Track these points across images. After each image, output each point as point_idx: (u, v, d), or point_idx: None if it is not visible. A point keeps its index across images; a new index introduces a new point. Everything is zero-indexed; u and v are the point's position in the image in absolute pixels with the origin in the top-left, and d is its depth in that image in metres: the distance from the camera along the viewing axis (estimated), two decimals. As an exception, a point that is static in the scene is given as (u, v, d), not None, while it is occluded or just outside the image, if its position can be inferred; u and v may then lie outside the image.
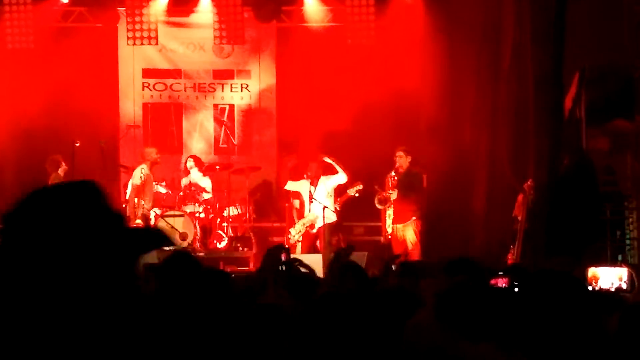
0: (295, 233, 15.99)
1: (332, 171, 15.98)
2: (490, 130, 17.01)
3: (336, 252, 12.48)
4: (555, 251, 12.63)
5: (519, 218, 14.65)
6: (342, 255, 11.52)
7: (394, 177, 15.58)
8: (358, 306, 3.52)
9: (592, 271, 4.86)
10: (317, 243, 15.93)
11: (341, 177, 15.94)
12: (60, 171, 16.30)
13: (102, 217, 2.32)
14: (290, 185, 16.43)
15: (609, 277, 4.84)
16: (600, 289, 4.82)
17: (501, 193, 16.34)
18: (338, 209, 16.00)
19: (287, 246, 12.56)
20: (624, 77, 14.53)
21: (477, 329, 3.87)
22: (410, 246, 15.53)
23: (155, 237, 2.40)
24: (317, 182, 15.95)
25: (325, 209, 15.70)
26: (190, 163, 17.04)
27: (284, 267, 4.85)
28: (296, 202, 16.54)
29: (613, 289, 4.82)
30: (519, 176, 15.15)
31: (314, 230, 15.93)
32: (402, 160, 15.62)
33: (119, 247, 2.26)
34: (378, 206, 15.67)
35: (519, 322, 3.50)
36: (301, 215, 16.26)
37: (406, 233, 15.57)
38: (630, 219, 16.19)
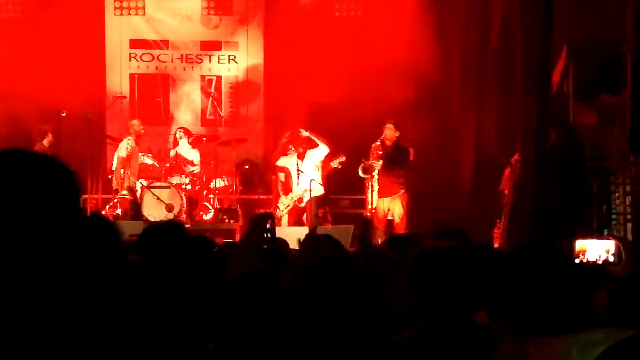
0: (284, 207, 15.98)
1: (316, 144, 15.97)
2: (478, 104, 17.02)
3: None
4: (542, 225, 12.64)
5: (506, 192, 14.66)
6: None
7: (378, 146, 15.55)
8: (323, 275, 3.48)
9: (579, 244, 4.86)
10: (304, 216, 15.93)
11: (322, 150, 15.92)
12: (45, 142, 16.26)
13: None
14: (282, 161, 16.41)
15: (596, 250, 4.84)
16: (588, 262, 4.82)
17: (488, 167, 16.36)
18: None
19: (272, 214, 12.53)
20: (612, 51, 14.51)
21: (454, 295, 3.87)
22: (397, 219, 15.54)
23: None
24: (304, 155, 15.93)
25: (313, 181, 15.69)
26: (180, 134, 16.98)
27: (268, 235, 4.84)
28: (281, 175, 16.52)
29: (600, 262, 4.82)
30: (505, 150, 15.15)
31: (302, 204, 15.92)
32: (391, 132, 15.60)
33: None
34: (362, 175, 15.62)
35: (505, 295, 3.50)
36: (287, 189, 16.24)
37: (393, 207, 15.57)
38: (617, 194, 16.23)
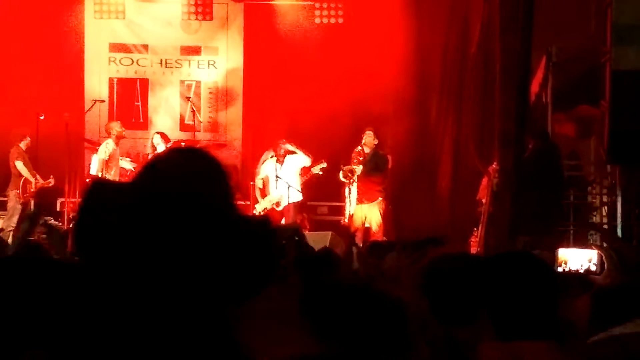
0: (261, 209, 15.99)
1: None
2: (456, 112, 17.07)
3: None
4: (518, 234, 12.68)
5: (483, 201, 14.70)
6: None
7: (359, 152, 15.59)
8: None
9: (561, 253, 4.89)
10: (282, 222, 15.92)
11: (304, 160, 15.95)
12: (23, 145, 16.21)
13: None
14: (261, 168, 16.38)
15: (578, 259, 4.87)
16: (570, 271, 4.85)
17: (466, 175, 16.41)
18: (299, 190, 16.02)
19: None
20: (591, 62, 14.58)
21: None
22: (375, 227, 15.56)
23: None
24: (284, 160, 15.94)
25: (290, 187, 15.70)
26: (157, 139, 16.94)
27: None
28: (259, 182, 16.52)
29: (582, 271, 4.85)
30: (483, 159, 15.19)
31: (280, 208, 15.93)
32: (370, 139, 15.65)
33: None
34: (342, 179, 15.66)
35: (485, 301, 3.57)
36: (264, 194, 16.25)
37: (371, 214, 15.59)
38: (594, 204, 16.32)
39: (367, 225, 15.66)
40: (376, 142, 15.69)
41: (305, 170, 16.06)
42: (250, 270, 2.29)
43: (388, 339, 2.91)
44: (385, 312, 2.97)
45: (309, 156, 15.90)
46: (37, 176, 16.21)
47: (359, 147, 15.61)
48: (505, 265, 3.63)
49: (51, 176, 16.21)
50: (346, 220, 15.83)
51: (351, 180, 15.61)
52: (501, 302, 3.51)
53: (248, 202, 16.60)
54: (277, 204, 15.91)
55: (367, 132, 15.68)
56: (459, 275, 3.97)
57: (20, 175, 15.99)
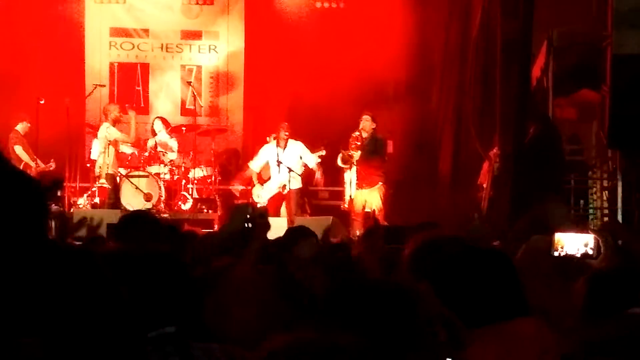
0: (266, 194, 15.86)
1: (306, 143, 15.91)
2: (457, 96, 17.04)
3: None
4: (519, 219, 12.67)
5: (484, 186, 14.70)
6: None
7: (357, 137, 15.50)
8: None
9: (557, 237, 4.88)
10: (283, 207, 15.89)
11: (310, 158, 15.82)
12: (21, 129, 16.19)
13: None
14: (261, 154, 16.25)
15: (574, 243, 4.87)
16: (566, 255, 4.86)
17: (467, 159, 16.40)
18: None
19: (252, 204, 12.47)
20: (592, 47, 14.54)
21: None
22: (375, 212, 15.54)
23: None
24: (286, 144, 15.84)
25: (292, 173, 15.65)
26: (158, 124, 16.94)
27: (249, 225, 4.80)
28: (255, 165, 16.44)
29: (579, 255, 4.85)
30: (484, 144, 15.19)
31: (285, 192, 15.82)
32: (367, 124, 15.57)
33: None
34: (341, 165, 15.61)
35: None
36: (261, 178, 16.16)
37: (371, 198, 15.57)
38: (594, 189, 16.31)
39: (367, 210, 15.62)
40: (374, 127, 15.61)
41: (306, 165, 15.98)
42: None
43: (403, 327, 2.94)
44: (401, 301, 3.00)
45: (314, 156, 15.81)
46: (38, 160, 16.21)
47: (357, 132, 15.54)
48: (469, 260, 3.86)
49: (52, 160, 16.21)
50: (346, 205, 15.79)
51: (350, 165, 15.55)
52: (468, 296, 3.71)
53: (250, 187, 16.59)
54: (284, 187, 15.81)
55: (364, 116, 15.61)
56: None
57: (20, 160, 15.97)
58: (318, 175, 15.83)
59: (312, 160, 15.78)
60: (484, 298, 3.70)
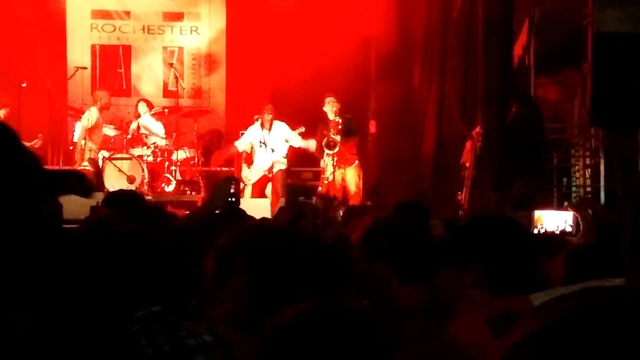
0: (254, 176, 15.88)
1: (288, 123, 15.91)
2: (440, 74, 17.03)
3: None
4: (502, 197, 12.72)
5: (467, 165, 14.73)
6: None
7: (338, 122, 15.54)
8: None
9: (537, 214, 4.91)
10: (268, 188, 15.90)
11: (296, 139, 15.86)
12: (1, 113, 16.07)
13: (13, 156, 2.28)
14: (245, 136, 16.24)
15: (554, 220, 4.89)
16: (546, 232, 4.88)
17: (450, 139, 16.42)
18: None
19: (236, 178, 12.43)
20: (573, 25, 14.56)
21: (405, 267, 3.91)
22: (354, 189, 15.58)
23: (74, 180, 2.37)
24: (271, 126, 15.84)
25: (275, 153, 15.66)
26: (142, 106, 16.89)
27: (233, 199, 4.80)
28: (240, 147, 16.46)
29: (558, 232, 4.88)
30: (467, 123, 15.22)
31: (271, 175, 15.83)
32: (329, 107, 15.60)
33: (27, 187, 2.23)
34: (327, 151, 15.62)
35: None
36: (249, 160, 16.18)
37: (349, 177, 15.62)
38: (577, 167, 16.38)
39: (347, 189, 15.66)
40: (338, 106, 15.62)
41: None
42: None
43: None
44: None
45: (300, 138, 15.84)
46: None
47: (337, 118, 15.53)
48: (485, 228, 3.69)
49: (39, 135, 15.99)
50: (322, 186, 15.78)
51: (334, 150, 15.56)
52: (488, 262, 3.55)
53: (232, 169, 16.59)
54: (270, 169, 15.82)
55: (327, 98, 15.64)
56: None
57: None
58: (310, 145, 15.86)
59: (297, 140, 15.80)
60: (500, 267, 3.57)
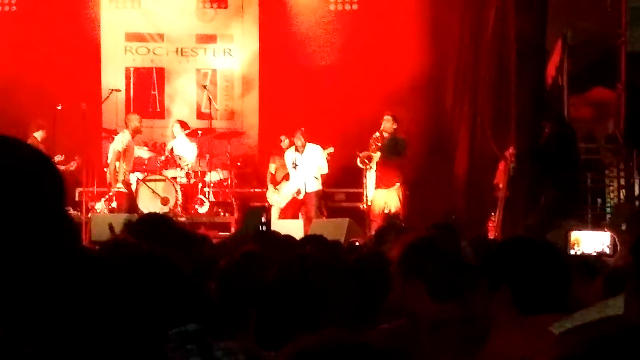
0: (282, 199, 15.93)
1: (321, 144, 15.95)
2: (472, 96, 17.01)
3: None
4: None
5: (500, 186, 14.69)
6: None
7: (377, 138, 15.55)
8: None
9: (574, 235, 4.89)
10: (301, 210, 15.92)
11: (324, 167, 15.90)
12: (38, 136, 16.15)
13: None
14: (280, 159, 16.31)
15: (591, 242, 4.88)
16: (583, 254, 4.87)
17: (483, 159, 16.37)
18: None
19: (267, 206, 12.51)
20: (607, 45, 14.55)
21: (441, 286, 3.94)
22: (394, 212, 15.55)
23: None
24: (304, 149, 15.86)
25: (310, 176, 15.68)
26: (177, 128, 16.97)
27: (264, 227, 4.83)
28: (272, 167, 16.52)
29: (595, 253, 4.86)
30: (500, 143, 15.18)
31: (301, 196, 15.85)
32: (389, 124, 15.61)
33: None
34: (360, 165, 15.59)
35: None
36: (274, 181, 16.23)
37: (390, 199, 15.59)
38: (611, 187, 16.29)
39: (386, 211, 15.63)
40: (395, 127, 15.66)
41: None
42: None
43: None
44: None
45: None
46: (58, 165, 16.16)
47: (377, 133, 15.57)
48: (515, 250, 3.80)
49: (76, 157, 16.05)
50: (365, 205, 15.78)
51: (368, 166, 15.57)
52: (519, 282, 3.65)
53: (265, 190, 16.63)
54: (298, 192, 15.85)
55: (386, 117, 15.64)
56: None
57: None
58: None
59: (325, 166, 15.86)
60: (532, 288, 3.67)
